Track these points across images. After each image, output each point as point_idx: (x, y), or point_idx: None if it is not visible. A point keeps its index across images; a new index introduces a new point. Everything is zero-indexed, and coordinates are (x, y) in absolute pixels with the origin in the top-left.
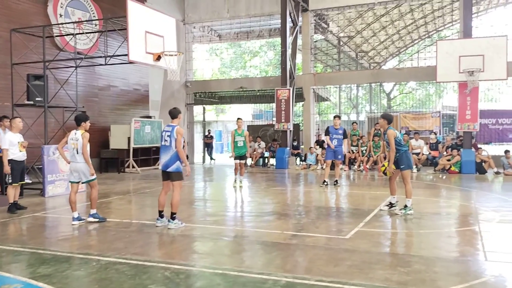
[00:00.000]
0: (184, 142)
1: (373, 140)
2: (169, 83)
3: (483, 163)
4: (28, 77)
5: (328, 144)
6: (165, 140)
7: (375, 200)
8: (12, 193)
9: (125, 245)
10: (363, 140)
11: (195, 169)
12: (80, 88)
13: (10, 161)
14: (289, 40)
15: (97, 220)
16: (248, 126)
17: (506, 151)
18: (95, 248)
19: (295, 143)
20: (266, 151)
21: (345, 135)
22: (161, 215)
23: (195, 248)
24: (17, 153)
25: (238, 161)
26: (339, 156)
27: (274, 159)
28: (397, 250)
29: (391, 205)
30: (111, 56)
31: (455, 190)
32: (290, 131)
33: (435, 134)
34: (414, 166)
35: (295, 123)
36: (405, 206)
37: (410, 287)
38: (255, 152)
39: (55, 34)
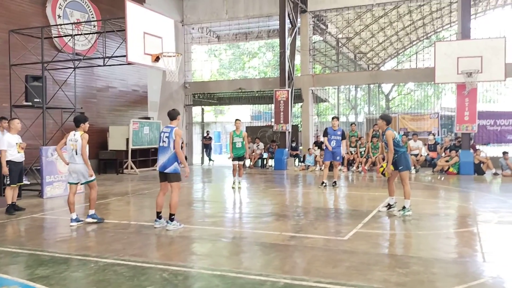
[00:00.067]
0: (182, 143)
1: (371, 141)
2: (167, 84)
3: (481, 164)
4: (26, 78)
5: (327, 145)
6: (163, 141)
7: (373, 201)
8: (10, 194)
9: (123, 246)
10: (361, 141)
11: (194, 170)
12: (78, 89)
13: (8, 162)
14: (288, 41)
15: (95, 220)
16: (247, 127)
17: (504, 152)
18: (93, 249)
19: (293, 144)
20: (264, 152)
21: (343, 136)
22: (159, 216)
23: (194, 250)
24: (16, 154)
25: (236, 162)
26: (338, 157)
27: (273, 160)
28: (395, 251)
29: (389, 206)
30: (109, 57)
31: (454, 191)
32: (289, 132)
33: (434, 135)
34: (413, 167)
35: (294, 124)
36: (404, 207)
37: None
38: (253, 153)
39: (53, 35)
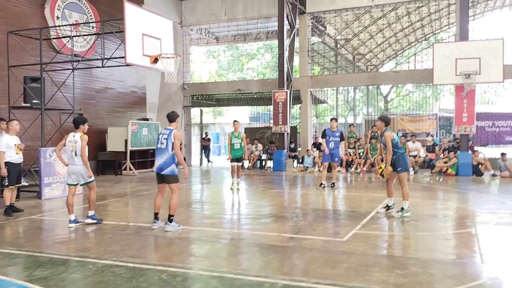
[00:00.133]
0: (181, 144)
1: (370, 143)
2: (166, 86)
3: (480, 166)
4: (25, 79)
5: (324, 147)
6: (161, 143)
7: (372, 202)
8: (9, 195)
9: (121, 247)
10: (360, 142)
11: (192, 172)
12: (77, 90)
13: (6, 163)
14: (286, 42)
15: (95, 221)
16: (246, 129)
17: (503, 154)
18: (92, 250)
19: (292, 146)
20: (263, 153)
21: (342, 138)
22: (156, 217)
23: (192, 251)
24: (14, 156)
25: (235, 163)
26: (336, 159)
27: (271, 161)
28: (394, 253)
29: (388, 207)
30: (108, 59)
31: (452, 192)
32: (288, 133)
33: (432, 136)
34: (411, 169)
35: (293, 125)
36: (402, 208)
37: None
38: (252, 155)
39: (52, 37)
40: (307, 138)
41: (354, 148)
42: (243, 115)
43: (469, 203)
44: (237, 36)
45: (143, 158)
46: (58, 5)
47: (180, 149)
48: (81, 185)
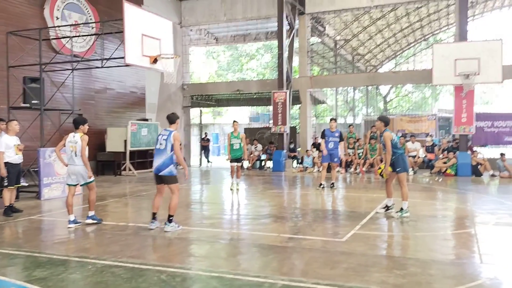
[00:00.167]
0: (180, 145)
1: (369, 143)
2: (165, 86)
3: (479, 166)
4: (24, 79)
5: (323, 148)
6: (160, 144)
7: (371, 202)
8: (8, 196)
9: (121, 248)
10: (359, 142)
11: (192, 172)
12: (76, 90)
13: (6, 164)
14: (286, 43)
15: (95, 221)
16: (245, 129)
17: (502, 154)
18: (91, 251)
19: (291, 146)
20: (263, 153)
21: (341, 138)
22: (154, 217)
23: (192, 251)
24: (13, 156)
25: (234, 163)
26: (335, 159)
27: (271, 161)
28: (393, 253)
29: (387, 207)
30: (107, 59)
31: (451, 192)
32: (287, 133)
33: (431, 137)
34: (410, 169)
35: (292, 125)
36: (401, 208)
37: None
38: (252, 155)
39: (51, 37)
40: (306, 138)
41: (353, 148)
42: (243, 115)
43: (468, 204)
44: (237, 37)
45: (143, 159)
46: (58, 6)
47: (180, 149)
48: (81, 185)
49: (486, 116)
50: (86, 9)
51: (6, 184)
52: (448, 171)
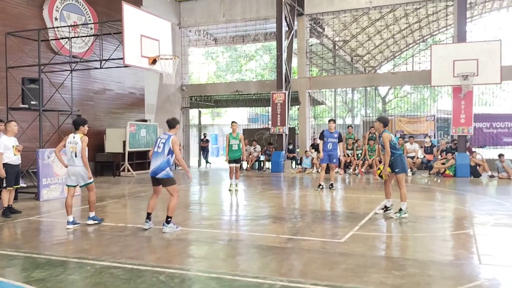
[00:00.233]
0: (180, 145)
1: (368, 144)
2: (164, 87)
3: (478, 167)
4: (23, 80)
5: (321, 149)
6: (158, 147)
7: (370, 203)
8: (7, 197)
9: (120, 249)
10: (358, 143)
11: (191, 173)
12: (75, 91)
13: (4, 165)
14: (285, 44)
15: (96, 222)
16: (244, 130)
17: (500, 155)
18: (90, 252)
19: (290, 147)
20: (261, 154)
21: (340, 139)
22: (149, 217)
23: (190, 252)
24: (12, 157)
25: (233, 164)
26: (334, 160)
27: (270, 162)
28: (392, 254)
29: (386, 208)
30: (106, 60)
31: (450, 193)
32: (286, 134)
33: (430, 137)
34: (409, 170)
35: (291, 126)
36: (400, 209)
37: None
38: (250, 156)
39: (50, 38)
40: (305, 139)
41: (352, 149)
42: (242, 116)
43: (467, 204)
44: (236, 38)
45: (142, 160)
46: (57, 7)
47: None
48: (80, 186)
49: (485, 117)
50: (85, 10)
51: (4, 185)
52: (447, 172)
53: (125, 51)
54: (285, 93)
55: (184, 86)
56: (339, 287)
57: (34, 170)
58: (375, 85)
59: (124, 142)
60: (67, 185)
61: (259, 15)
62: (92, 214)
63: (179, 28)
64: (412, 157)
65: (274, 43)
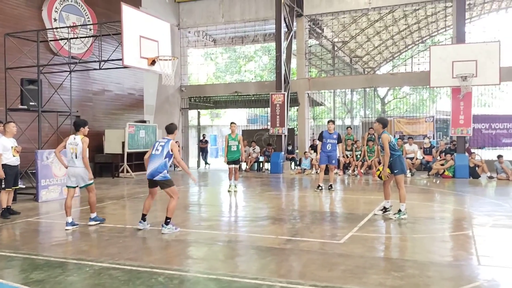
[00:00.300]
0: (179, 146)
1: (367, 145)
2: (163, 88)
3: (477, 168)
4: (22, 81)
5: (319, 150)
6: (157, 150)
7: (369, 204)
8: (5, 198)
9: (118, 250)
10: (357, 144)
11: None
12: (74, 92)
13: (3, 166)
14: (284, 45)
15: (98, 222)
16: (243, 131)
17: (499, 156)
18: (89, 253)
19: (289, 148)
20: (261, 155)
21: (339, 140)
22: (143, 218)
23: (189, 253)
24: (11, 158)
25: (232, 165)
26: (333, 161)
27: (269, 163)
28: (391, 255)
29: (385, 209)
30: (105, 61)
31: (449, 194)
32: (285, 135)
33: (429, 138)
34: (408, 171)
35: (290, 127)
36: (399, 210)
37: None
38: (250, 157)
39: (49, 39)
40: (304, 140)
41: (351, 150)
42: (241, 117)
43: (466, 205)
44: (235, 38)
45: (141, 161)
46: (56, 7)
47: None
48: (80, 187)
49: (484, 118)
50: (84, 10)
51: (3, 186)
52: (446, 173)
53: (124, 52)
54: (284, 94)
55: (183, 87)
56: None
57: (33, 171)
58: (374, 86)
59: (123, 143)
60: (67, 186)
61: (258, 16)
62: (93, 215)
63: (178, 29)
64: (411, 158)
65: (273, 44)
